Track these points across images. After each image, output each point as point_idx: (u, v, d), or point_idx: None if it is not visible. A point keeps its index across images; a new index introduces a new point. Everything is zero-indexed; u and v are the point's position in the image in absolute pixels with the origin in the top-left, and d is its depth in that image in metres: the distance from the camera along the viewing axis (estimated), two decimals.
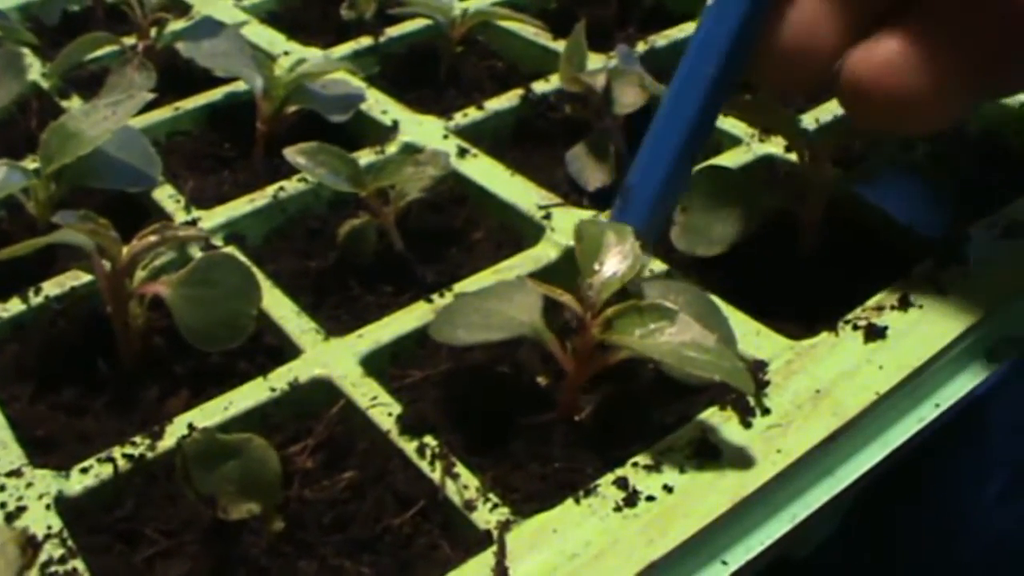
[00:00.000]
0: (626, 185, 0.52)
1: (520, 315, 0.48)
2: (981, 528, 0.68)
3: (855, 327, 0.52)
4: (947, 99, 0.46)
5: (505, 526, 0.43)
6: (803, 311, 0.54)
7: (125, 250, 0.52)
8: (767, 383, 0.49)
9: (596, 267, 0.48)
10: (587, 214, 0.60)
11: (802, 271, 0.58)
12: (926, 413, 0.50)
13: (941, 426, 0.51)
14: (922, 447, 0.51)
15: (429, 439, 0.47)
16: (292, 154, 0.58)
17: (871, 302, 0.54)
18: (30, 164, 0.63)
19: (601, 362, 0.47)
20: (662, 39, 0.80)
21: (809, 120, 0.68)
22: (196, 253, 0.59)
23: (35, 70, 0.79)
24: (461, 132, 0.70)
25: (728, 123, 0.68)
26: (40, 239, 0.52)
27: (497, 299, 0.49)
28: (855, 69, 0.46)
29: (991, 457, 0.71)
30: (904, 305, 0.53)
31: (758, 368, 0.50)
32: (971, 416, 0.63)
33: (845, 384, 0.49)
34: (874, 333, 0.51)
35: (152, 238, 0.52)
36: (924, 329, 0.52)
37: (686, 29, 0.81)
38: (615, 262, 0.48)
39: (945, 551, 0.66)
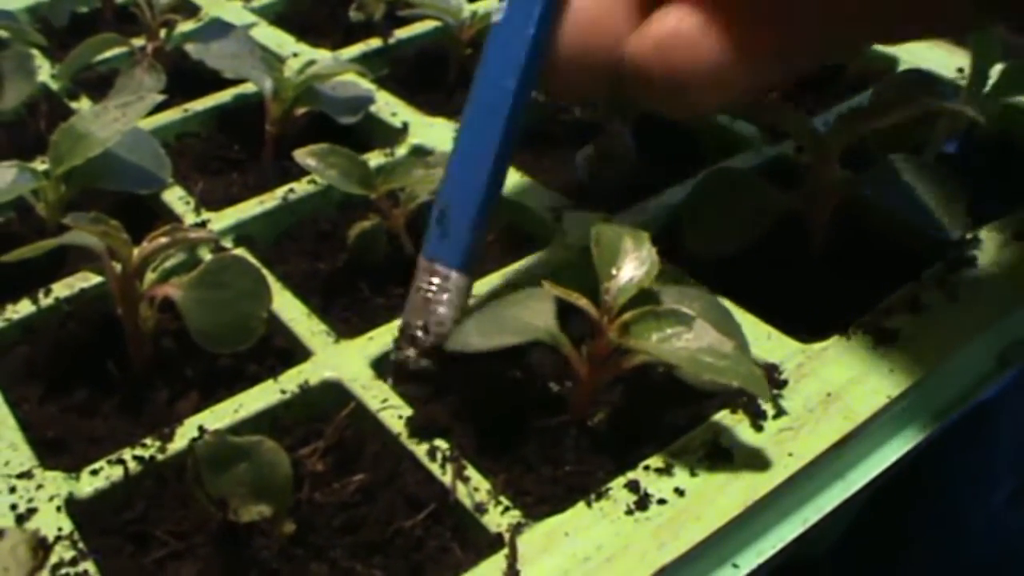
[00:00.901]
0: (440, 208, 0.50)
1: (535, 320, 0.47)
2: (990, 531, 0.67)
3: (866, 330, 0.52)
4: (730, 72, 0.44)
5: (517, 529, 0.43)
6: (814, 314, 0.54)
7: (135, 252, 0.52)
8: (784, 383, 0.49)
9: (613, 272, 0.48)
10: (598, 216, 0.60)
11: (812, 273, 0.58)
12: (937, 417, 0.50)
13: (951, 430, 0.51)
14: (932, 451, 0.51)
15: (440, 442, 0.47)
16: (302, 156, 0.58)
17: (882, 305, 0.53)
18: (39, 166, 0.64)
19: (616, 367, 0.47)
20: None
21: (818, 123, 0.68)
22: (206, 255, 0.59)
23: (44, 71, 0.79)
24: None
25: (738, 125, 0.68)
26: (51, 241, 0.52)
27: (512, 305, 0.49)
28: (637, 49, 0.45)
29: (1000, 461, 0.71)
30: (915, 308, 0.53)
31: (769, 371, 0.49)
32: (981, 420, 0.63)
33: (856, 387, 0.49)
34: (885, 336, 0.51)
35: (163, 240, 0.52)
36: (935, 333, 0.52)
37: None
38: (632, 267, 0.48)
39: (954, 554, 0.66)
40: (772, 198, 0.58)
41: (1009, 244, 0.57)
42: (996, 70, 0.65)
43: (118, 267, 0.52)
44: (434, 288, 0.50)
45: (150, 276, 0.54)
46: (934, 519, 0.66)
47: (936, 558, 0.65)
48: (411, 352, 0.50)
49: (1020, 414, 0.71)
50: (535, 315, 0.48)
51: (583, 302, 0.47)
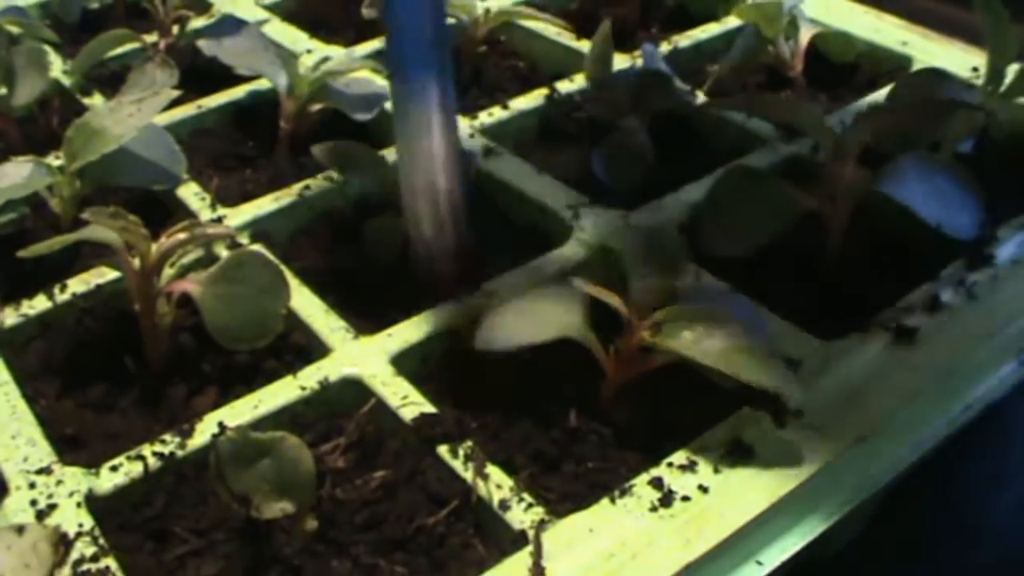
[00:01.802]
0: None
1: (564, 316, 0.47)
2: (1002, 534, 0.67)
3: (885, 328, 0.52)
4: None
5: (541, 525, 0.43)
6: (833, 312, 0.54)
7: (154, 247, 0.52)
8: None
9: (643, 271, 0.48)
10: (615, 213, 0.60)
11: (831, 271, 0.58)
12: (957, 415, 0.50)
13: (963, 432, 0.51)
14: (944, 452, 0.51)
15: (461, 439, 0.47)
16: (320, 152, 0.57)
17: (901, 303, 0.53)
18: (53, 162, 0.63)
19: (644, 365, 0.47)
20: (685, 39, 0.80)
21: (834, 120, 0.68)
22: (222, 252, 0.58)
23: (55, 68, 0.79)
24: (486, 131, 0.69)
25: (754, 123, 0.68)
26: (69, 235, 0.52)
27: (540, 300, 0.49)
28: None
29: (1010, 463, 0.70)
30: (934, 306, 0.53)
31: (791, 368, 0.49)
32: (992, 422, 0.63)
33: (876, 385, 0.49)
34: (904, 334, 0.51)
35: (182, 235, 0.52)
36: (954, 330, 0.52)
37: (709, 30, 0.81)
38: (662, 266, 0.48)
39: (966, 556, 0.65)
40: (790, 196, 0.57)
41: None
42: (1011, 70, 0.65)
43: (136, 262, 0.52)
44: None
45: (168, 272, 0.54)
46: (946, 522, 0.66)
47: (948, 561, 0.65)
48: None
49: None
50: (565, 312, 0.48)
51: (615, 300, 0.47)
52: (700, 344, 0.45)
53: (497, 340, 0.48)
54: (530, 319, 0.48)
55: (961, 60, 0.73)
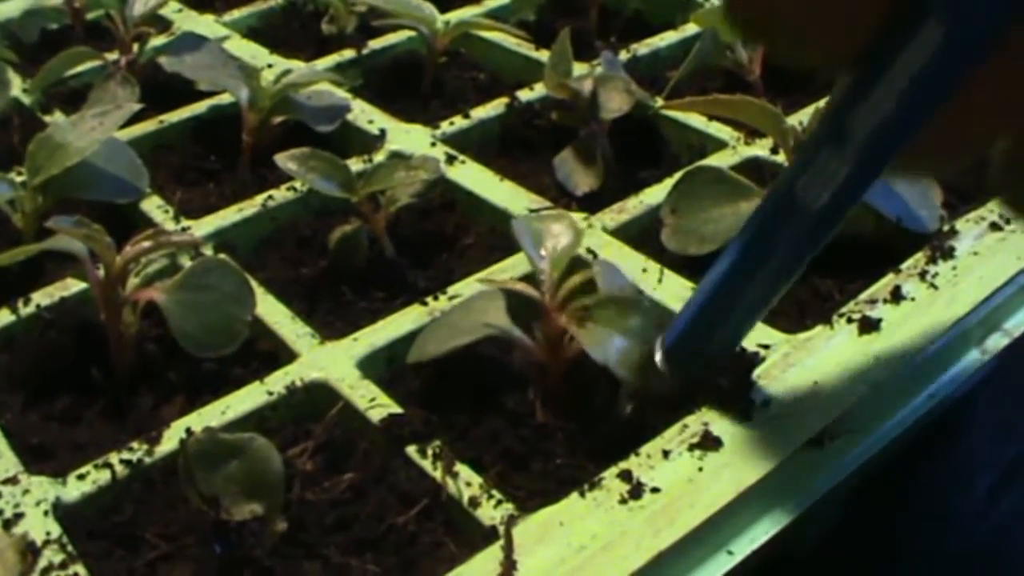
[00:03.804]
0: None
1: (483, 317, 0.49)
2: (971, 527, 0.68)
3: (849, 320, 0.52)
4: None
5: (511, 520, 0.43)
6: (796, 305, 0.55)
7: (118, 256, 0.52)
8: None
9: (542, 253, 0.49)
10: (578, 217, 0.60)
11: None
12: (922, 404, 0.50)
13: (929, 425, 0.51)
14: (911, 446, 0.51)
15: (429, 439, 0.47)
16: (283, 160, 0.57)
17: (864, 295, 0.54)
18: (15, 177, 0.63)
19: (574, 346, 0.48)
20: (644, 47, 0.80)
21: (792, 122, 0.68)
22: (186, 262, 0.58)
23: (15, 86, 0.78)
24: (448, 140, 0.70)
25: (713, 127, 0.69)
26: (34, 245, 0.52)
27: (462, 311, 0.51)
28: None
29: (978, 456, 0.71)
30: (896, 298, 0.54)
31: (755, 361, 0.50)
32: (957, 415, 0.64)
33: (842, 375, 0.49)
34: (868, 325, 0.52)
35: (146, 243, 0.52)
36: (917, 321, 0.53)
37: (667, 38, 0.82)
38: (558, 240, 0.50)
39: (938, 550, 0.66)
40: (751, 195, 0.58)
41: (985, 235, 0.58)
42: None
43: (101, 271, 0.52)
44: None
45: (133, 281, 0.53)
46: (916, 516, 0.67)
47: (920, 555, 0.66)
48: None
49: (995, 409, 0.71)
50: (483, 313, 0.49)
51: (520, 285, 0.48)
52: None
53: (424, 352, 0.50)
54: (456, 326, 0.50)
55: None
